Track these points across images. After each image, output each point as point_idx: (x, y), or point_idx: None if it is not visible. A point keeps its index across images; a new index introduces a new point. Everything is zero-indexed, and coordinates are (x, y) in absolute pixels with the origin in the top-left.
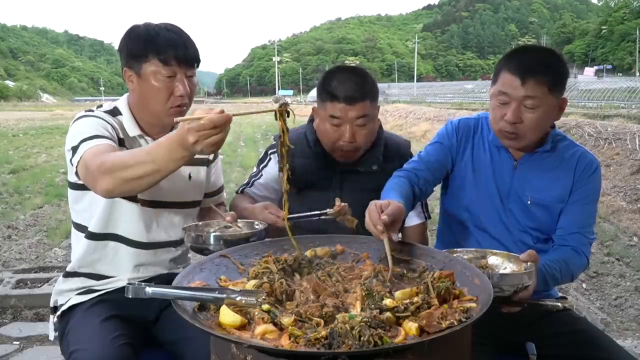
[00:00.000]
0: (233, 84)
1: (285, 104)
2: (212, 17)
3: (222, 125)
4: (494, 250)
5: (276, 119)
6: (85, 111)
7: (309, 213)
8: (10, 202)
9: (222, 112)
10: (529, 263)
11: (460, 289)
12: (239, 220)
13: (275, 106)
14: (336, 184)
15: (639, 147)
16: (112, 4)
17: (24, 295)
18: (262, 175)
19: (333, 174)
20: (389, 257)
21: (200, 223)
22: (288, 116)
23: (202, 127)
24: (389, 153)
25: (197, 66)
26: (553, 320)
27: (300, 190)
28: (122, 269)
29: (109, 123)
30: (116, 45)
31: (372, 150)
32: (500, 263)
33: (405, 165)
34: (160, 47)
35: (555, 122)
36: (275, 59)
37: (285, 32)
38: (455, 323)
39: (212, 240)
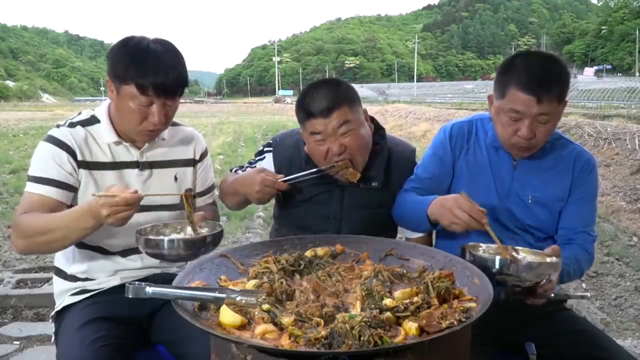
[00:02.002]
0: (233, 84)
1: (190, 190)
2: (212, 17)
3: (133, 204)
4: (517, 247)
5: (180, 201)
6: (57, 126)
7: (307, 172)
8: (10, 202)
9: (135, 192)
10: (553, 257)
11: (460, 289)
12: (207, 220)
13: (182, 191)
14: (336, 199)
15: (638, 147)
16: (112, 4)
17: (24, 295)
18: (256, 166)
19: (333, 187)
20: (496, 239)
21: (160, 224)
22: (194, 198)
23: (116, 204)
24: (392, 168)
25: (181, 94)
26: (553, 320)
27: (301, 204)
28: (105, 274)
29: (69, 147)
30: None
31: (373, 166)
32: (524, 258)
33: (405, 186)
34: (142, 75)
35: None
36: (275, 59)
37: (285, 32)
38: (455, 323)
39: (165, 246)
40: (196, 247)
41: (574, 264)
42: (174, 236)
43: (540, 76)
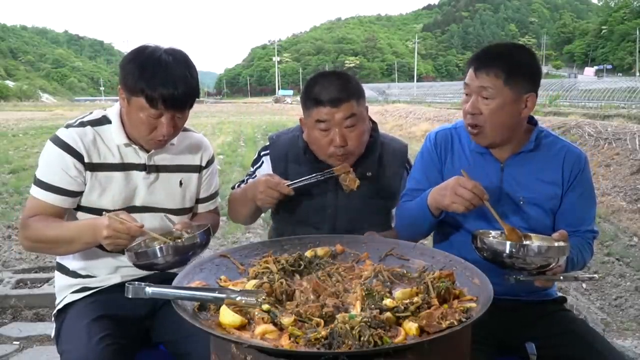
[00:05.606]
0: (233, 84)
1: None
2: (213, 17)
3: (133, 237)
4: (526, 234)
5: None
6: (66, 125)
7: (310, 175)
8: (10, 202)
9: (141, 226)
10: (561, 242)
11: (460, 289)
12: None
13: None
14: (331, 189)
15: (639, 147)
16: (112, 4)
17: (24, 295)
18: (256, 175)
19: (328, 178)
20: (497, 216)
21: (149, 238)
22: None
23: (119, 230)
24: (385, 158)
25: (191, 105)
26: (552, 320)
27: (297, 197)
28: (106, 271)
29: (75, 151)
30: (116, 45)
31: (367, 156)
32: (533, 242)
33: (400, 201)
34: (151, 87)
35: (546, 121)
36: (275, 59)
37: (285, 32)
38: (455, 323)
39: (158, 254)
40: (181, 252)
41: (578, 254)
42: (161, 244)
43: (484, 53)
